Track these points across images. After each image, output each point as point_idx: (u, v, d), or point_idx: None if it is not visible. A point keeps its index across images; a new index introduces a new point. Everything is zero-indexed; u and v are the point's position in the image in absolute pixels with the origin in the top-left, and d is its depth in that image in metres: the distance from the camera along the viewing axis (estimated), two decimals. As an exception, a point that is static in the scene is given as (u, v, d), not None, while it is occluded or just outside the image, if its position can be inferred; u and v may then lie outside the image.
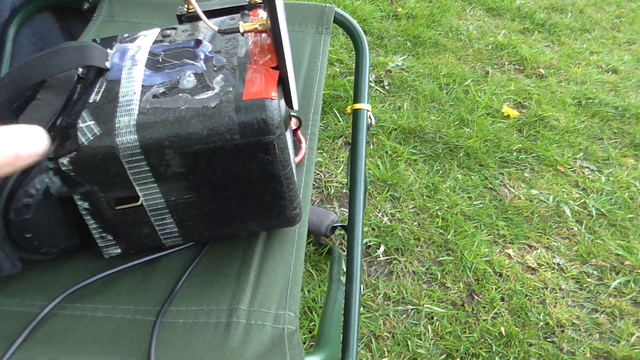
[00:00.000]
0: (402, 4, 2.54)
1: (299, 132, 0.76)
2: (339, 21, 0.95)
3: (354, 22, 0.95)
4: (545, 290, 1.35)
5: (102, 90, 0.53)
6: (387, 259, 1.38)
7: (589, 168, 1.73)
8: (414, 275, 1.36)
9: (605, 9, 2.71)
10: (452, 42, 2.32)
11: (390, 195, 1.55)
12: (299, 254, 0.63)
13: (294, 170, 0.56)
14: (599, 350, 1.24)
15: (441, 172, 1.65)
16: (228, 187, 0.53)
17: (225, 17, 0.65)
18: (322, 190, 1.55)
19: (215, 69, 0.55)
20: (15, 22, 0.95)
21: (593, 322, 1.29)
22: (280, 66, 0.54)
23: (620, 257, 1.44)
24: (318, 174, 1.59)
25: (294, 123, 0.76)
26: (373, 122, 0.94)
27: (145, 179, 0.50)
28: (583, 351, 1.23)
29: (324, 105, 1.83)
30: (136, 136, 0.47)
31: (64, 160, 0.47)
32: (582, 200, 1.60)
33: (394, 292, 1.30)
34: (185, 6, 0.67)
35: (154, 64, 0.56)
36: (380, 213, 1.50)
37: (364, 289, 1.29)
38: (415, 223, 1.48)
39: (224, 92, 0.50)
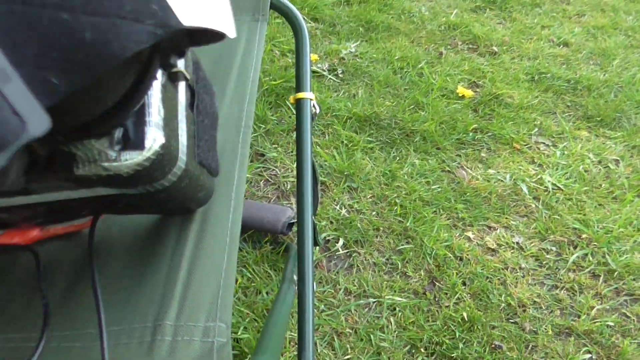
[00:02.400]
0: (352, -11, 2.50)
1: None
2: (276, 7, 0.92)
3: (292, 7, 0.92)
4: (505, 270, 1.35)
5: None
6: (347, 252, 1.37)
7: (544, 143, 1.74)
8: (375, 266, 1.34)
9: (554, -18, 2.72)
10: (404, 24, 2.30)
11: (347, 186, 1.53)
12: (231, 257, 0.61)
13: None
14: (561, 326, 1.25)
15: (398, 158, 1.63)
16: None
17: None
18: (278, 187, 1.52)
19: None
20: None
21: (554, 299, 1.30)
22: None
23: (577, 230, 1.45)
24: (273, 169, 1.56)
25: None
26: (317, 111, 0.92)
27: None
28: (545, 329, 1.23)
29: (277, 98, 1.80)
30: None
31: None
32: (539, 177, 1.61)
33: (355, 286, 1.29)
34: None
35: None
36: (338, 205, 1.48)
37: (324, 286, 1.28)
38: (374, 213, 1.46)
39: None
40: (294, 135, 1.68)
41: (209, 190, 0.61)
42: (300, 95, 0.88)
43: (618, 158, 1.69)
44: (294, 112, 1.74)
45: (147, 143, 0.41)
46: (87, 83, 0.31)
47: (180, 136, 0.47)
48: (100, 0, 0.31)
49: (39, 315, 0.47)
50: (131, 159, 0.40)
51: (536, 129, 1.78)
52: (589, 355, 1.19)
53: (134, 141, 0.41)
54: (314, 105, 0.89)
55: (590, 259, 1.39)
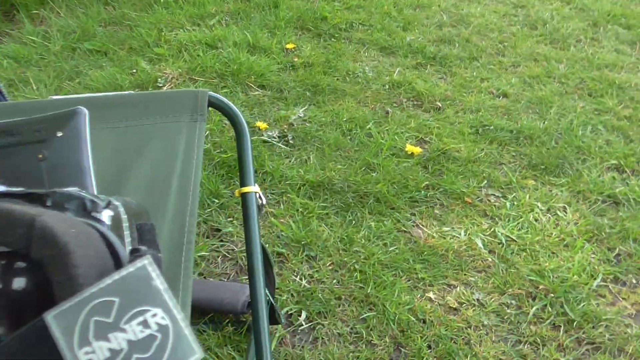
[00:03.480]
0: (297, 54, 2.57)
1: None
2: (215, 104, 0.93)
3: (231, 104, 0.93)
4: (469, 329, 1.36)
5: None
6: (310, 324, 1.35)
7: (494, 195, 1.79)
8: (339, 337, 1.32)
9: (488, 36, 2.86)
10: (350, 85, 2.36)
11: (306, 255, 1.52)
12: None
13: None
14: (528, 383, 1.25)
15: (354, 222, 1.64)
16: None
17: None
18: (237, 262, 1.50)
19: None
20: None
21: (518, 355, 1.31)
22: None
23: (534, 282, 1.48)
24: (230, 245, 1.54)
25: None
26: (264, 202, 0.92)
27: None
28: (513, 387, 1.23)
29: (228, 170, 1.80)
30: None
31: None
32: (492, 229, 1.64)
33: (321, 360, 1.26)
34: None
35: None
36: (298, 276, 1.46)
37: (288, 364, 1.25)
38: (335, 281, 1.46)
39: None
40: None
41: None
42: (246, 189, 0.89)
43: (565, 205, 1.75)
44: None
45: None
46: None
47: None
48: None
49: None
50: None
51: (485, 182, 1.83)
52: (559, 411, 1.19)
53: None
54: (259, 197, 0.90)
55: (550, 309, 1.41)
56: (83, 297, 0.28)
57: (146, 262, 0.30)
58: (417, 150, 1.95)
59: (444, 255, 1.56)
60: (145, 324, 0.29)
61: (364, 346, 1.31)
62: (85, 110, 0.62)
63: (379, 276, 1.47)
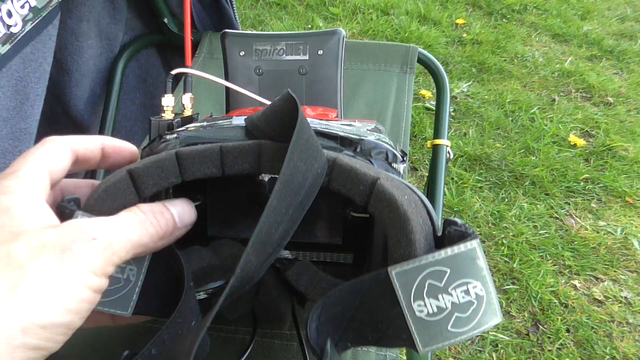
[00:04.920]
0: (467, 30, 2.57)
1: None
2: (422, 61, 1.01)
3: (437, 62, 1.01)
4: (612, 323, 1.35)
5: None
6: (453, 284, 1.42)
7: (658, 200, 1.72)
8: (479, 302, 1.39)
9: (677, 36, 2.65)
10: (517, 68, 2.33)
11: (455, 221, 1.59)
12: None
13: None
14: (668, 387, 1.23)
15: (506, 200, 1.67)
16: None
17: None
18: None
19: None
20: (124, 57, 1.06)
21: (662, 359, 1.29)
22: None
23: (691, 293, 1.43)
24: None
25: None
26: (451, 157, 1.00)
27: None
28: (651, 387, 1.23)
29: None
30: None
31: None
32: (652, 234, 1.59)
33: (460, 317, 1.34)
34: (165, 115, 0.60)
35: None
36: (446, 239, 1.53)
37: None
38: (481, 250, 1.51)
39: None
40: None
41: None
42: (438, 141, 0.96)
43: None
44: (413, 150, 1.82)
45: None
46: None
47: None
48: None
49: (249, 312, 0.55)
50: None
51: (651, 185, 1.76)
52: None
53: None
54: (448, 152, 0.97)
55: None
56: (423, 263, 0.34)
57: (476, 245, 0.35)
58: (581, 142, 1.91)
59: (595, 248, 1.54)
60: (467, 292, 0.35)
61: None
62: (344, 32, 0.69)
63: (525, 255, 1.50)
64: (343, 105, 0.71)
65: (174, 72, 0.61)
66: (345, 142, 0.45)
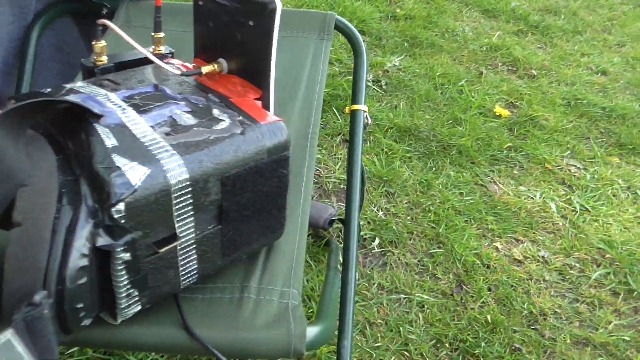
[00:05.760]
0: (400, 5, 2.61)
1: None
2: (339, 28, 1.03)
3: (354, 28, 1.03)
4: (529, 281, 1.44)
5: (111, 134, 0.51)
6: (382, 251, 1.47)
7: (575, 166, 1.82)
8: (407, 266, 1.44)
9: (597, 12, 2.79)
10: (448, 43, 2.40)
11: (385, 190, 1.63)
12: (301, 240, 0.72)
13: None
14: (579, 336, 1.32)
15: (434, 169, 1.73)
16: (250, 207, 0.58)
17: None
18: (321, 186, 1.63)
19: (201, 105, 0.59)
20: (38, 26, 1.03)
21: (574, 311, 1.38)
22: (264, 96, 0.62)
23: (601, 250, 1.53)
24: (317, 170, 1.67)
25: None
26: (369, 122, 1.02)
27: (186, 213, 0.52)
28: (564, 337, 1.31)
29: (323, 104, 1.91)
30: (185, 169, 0.50)
31: (120, 207, 0.47)
32: (568, 197, 1.69)
33: (388, 282, 1.39)
34: (94, 58, 0.68)
35: (136, 107, 0.57)
36: (376, 208, 1.58)
37: (359, 278, 1.38)
38: (409, 217, 1.56)
39: (236, 120, 0.57)
40: (337, 139, 1.79)
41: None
42: (355, 107, 0.99)
43: (646, 186, 1.76)
44: (339, 118, 1.85)
45: None
46: None
47: None
48: None
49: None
50: None
51: (568, 152, 1.86)
52: (604, 366, 1.27)
53: None
54: (366, 117, 1.00)
55: (612, 277, 1.46)
56: None
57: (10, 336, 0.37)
58: (506, 112, 1.99)
59: (516, 212, 1.62)
60: None
61: (428, 277, 1.42)
62: (279, 4, 0.63)
63: (451, 220, 1.56)
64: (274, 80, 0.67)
65: (99, 21, 0.66)
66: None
